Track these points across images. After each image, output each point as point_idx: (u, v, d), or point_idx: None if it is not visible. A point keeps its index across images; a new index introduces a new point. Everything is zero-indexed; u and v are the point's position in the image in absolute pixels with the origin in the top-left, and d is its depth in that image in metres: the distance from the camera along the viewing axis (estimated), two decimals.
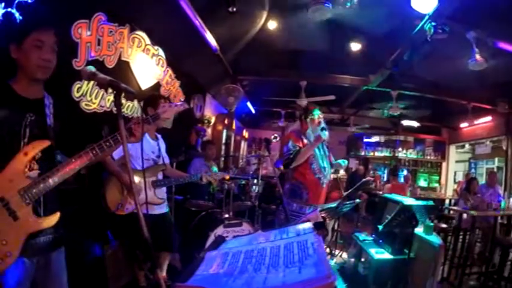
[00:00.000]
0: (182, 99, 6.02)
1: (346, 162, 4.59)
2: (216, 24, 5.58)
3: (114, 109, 4.03)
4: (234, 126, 9.82)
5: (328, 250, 5.71)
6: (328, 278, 0.73)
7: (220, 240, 1.29)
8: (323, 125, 4.07)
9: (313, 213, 2.20)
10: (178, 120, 5.41)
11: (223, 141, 9.08)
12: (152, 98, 3.44)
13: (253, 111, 11.33)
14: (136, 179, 3.00)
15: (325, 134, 4.06)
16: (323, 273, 0.77)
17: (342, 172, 13.25)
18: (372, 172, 12.51)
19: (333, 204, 2.34)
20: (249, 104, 10.43)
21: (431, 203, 4.65)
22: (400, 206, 3.64)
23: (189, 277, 0.99)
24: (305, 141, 4.03)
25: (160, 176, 3.39)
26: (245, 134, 14.10)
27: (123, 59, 4.24)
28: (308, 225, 1.17)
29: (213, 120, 8.59)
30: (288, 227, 1.26)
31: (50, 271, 1.84)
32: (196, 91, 7.08)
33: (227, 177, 4.40)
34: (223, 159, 8.55)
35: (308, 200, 3.95)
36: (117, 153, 2.91)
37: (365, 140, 14.09)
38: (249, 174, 6.52)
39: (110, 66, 3.95)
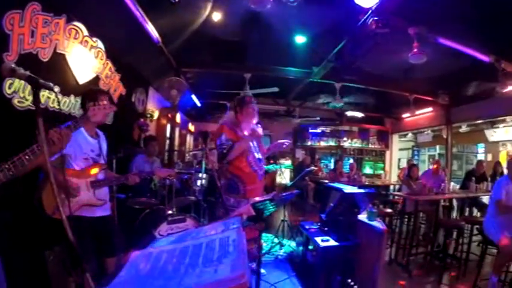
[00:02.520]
0: (123, 93, 5.82)
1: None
2: (158, 15, 5.42)
3: (51, 106, 3.83)
4: (178, 120, 9.56)
5: (276, 240, 5.81)
6: (242, 278, 0.72)
7: (150, 240, 1.26)
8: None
9: (245, 207, 2.17)
10: (120, 115, 5.20)
11: (168, 135, 8.83)
12: (91, 92, 3.26)
13: (198, 104, 11.08)
14: (75, 179, 2.86)
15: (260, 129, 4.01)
16: (237, 272, 0.76)
17: (288, 162, 13.55)
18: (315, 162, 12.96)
19: (268, 197, 2.33)
20: (194, 97, 10.22)
21: (372, 190, 4.83)
22: (341, 194, 3.74)
23: (111, 280, 0.95)
24: (239, 134, 3.93)
25: (101, 176, 3.20)
26: (191, 127, 13.86)
27: (58, 51, 3.95)
28: (233, 220, 1.16)
29: (156, 114, 8.34)
30: (216, 222, 1.25)
31: None
32: (138, 84, 6.84)
33: (173, 174, 4.24)
34: (167, 154, 8.30)
35: (245, 193, 3.86)
36: None
37: (311, 130, 14.46)
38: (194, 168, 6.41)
39: (45, 60, 3.67)
